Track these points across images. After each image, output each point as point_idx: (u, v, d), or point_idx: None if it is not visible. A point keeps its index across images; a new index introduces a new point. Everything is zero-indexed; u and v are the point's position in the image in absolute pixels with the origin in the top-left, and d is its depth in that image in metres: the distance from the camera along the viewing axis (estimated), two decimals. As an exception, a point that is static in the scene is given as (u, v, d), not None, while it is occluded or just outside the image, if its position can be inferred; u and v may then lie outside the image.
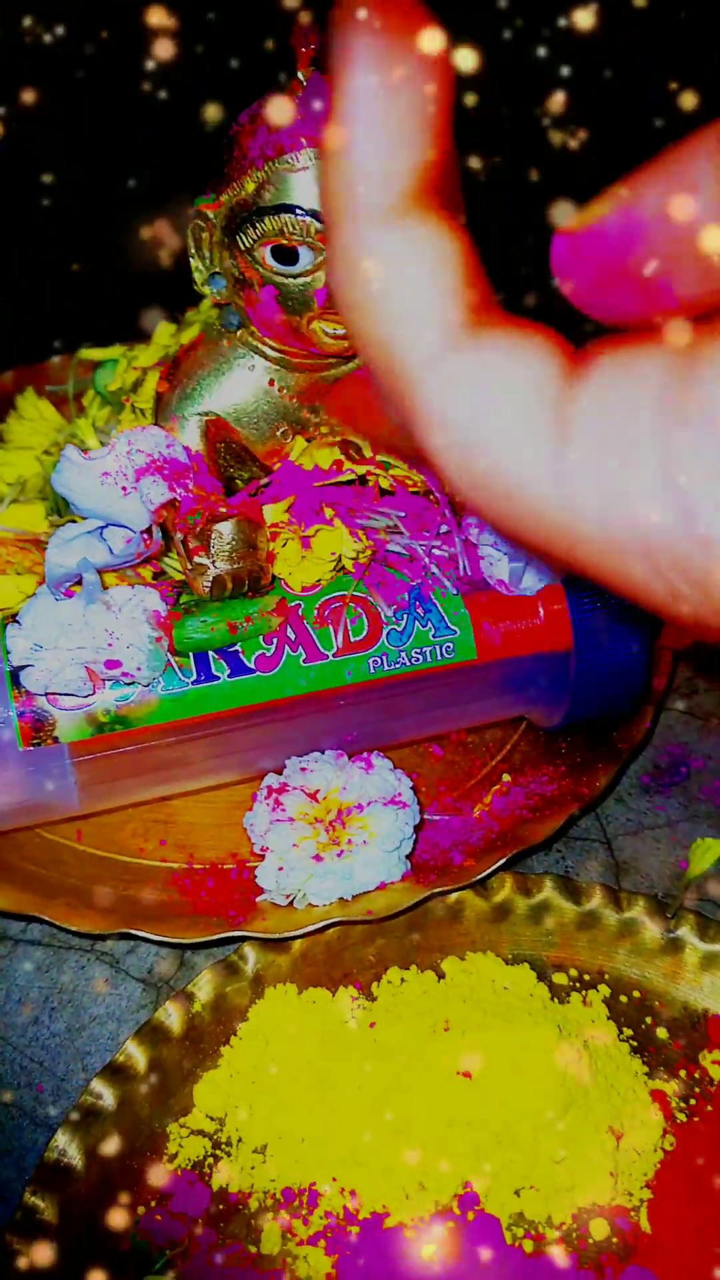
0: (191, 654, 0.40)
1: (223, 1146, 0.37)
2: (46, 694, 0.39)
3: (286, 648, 0.41)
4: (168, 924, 0.40)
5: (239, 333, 0.42)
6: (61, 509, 0.48)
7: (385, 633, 0.42)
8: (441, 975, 0.40)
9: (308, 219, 0.38)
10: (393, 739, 0.46)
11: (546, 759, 0.47)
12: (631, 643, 0.43)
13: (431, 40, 0.15)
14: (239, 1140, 0.37)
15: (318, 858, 0.40)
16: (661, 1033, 0.40)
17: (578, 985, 0.41)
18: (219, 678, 0.40)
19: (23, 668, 0.38)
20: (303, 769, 0.42)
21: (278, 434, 0.43)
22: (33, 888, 0.41)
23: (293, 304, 0.39)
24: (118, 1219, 0.35)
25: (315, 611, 0.41)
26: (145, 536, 0.39)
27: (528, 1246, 0.34)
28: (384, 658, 0.41)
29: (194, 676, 0.40)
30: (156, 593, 0.39)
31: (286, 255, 0.38)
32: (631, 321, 0.17)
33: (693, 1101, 0.38)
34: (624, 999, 0.40)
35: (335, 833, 0.40)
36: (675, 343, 0.13)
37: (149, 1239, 0.34)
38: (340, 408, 0.42)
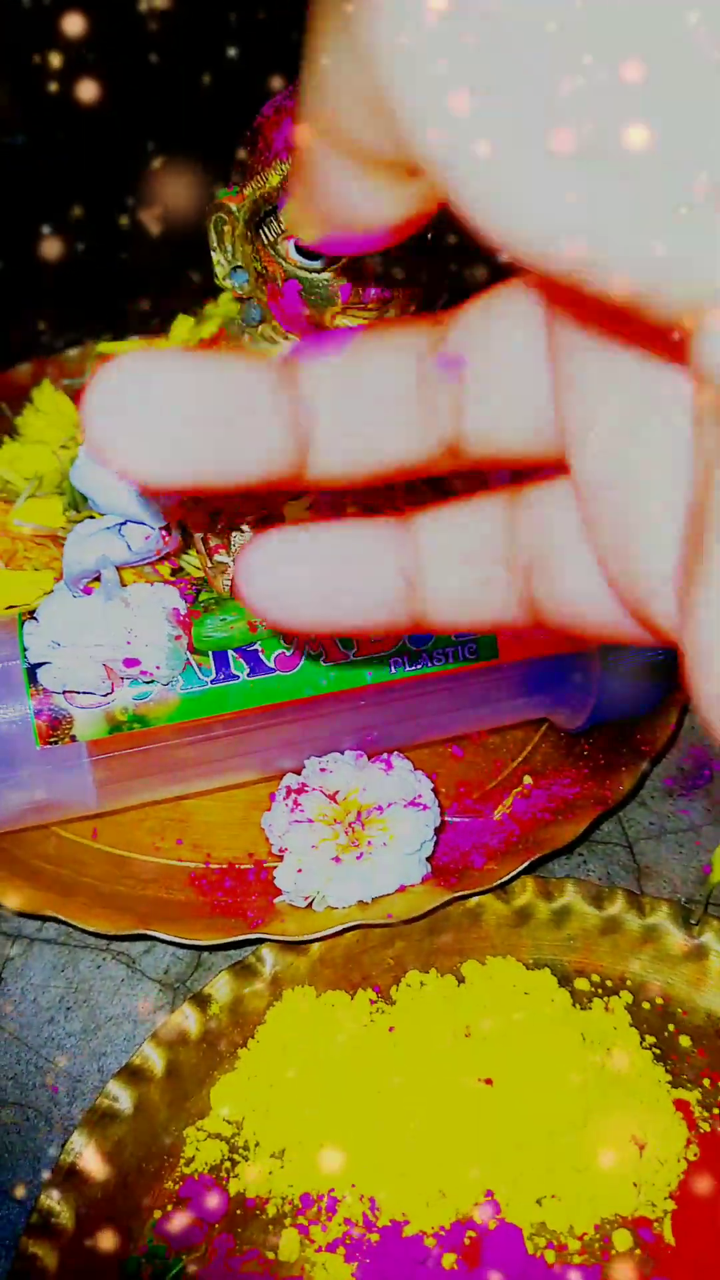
0: (211, 653, 0.40)
1: (240, 1151, 0.36)
2: (64, 692, 0.38)
3: (306, 647, 0.40)
4: (185, 925, 0.40)
5: (260, 327, 0.42)
6: (79, 504, 0.48)
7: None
8: (461, 980, 0.40)
9: (332, 212, 0.37)
10: (413, 740, 0.45)
11: (568, 761, 0.47)
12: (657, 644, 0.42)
13: None
14: (256, 1145, 0.36)
15: (337, 859, 0.39)
16: (684, 1041, 0.39)
17: (599, 992, 0.40)
18: (238, 677, 0.40)
19: (40, 665, 0.38)
20: (322, 769, 0.41)
21: (299, 430, 0.43)
22: (49, 887, 0.41)
23: (316, 299, 0.39)
24: (133, 1223, 0.34)
25: (336, 610, 0.41)
26: (164, 533, 0.38)
27: (550, 1257, 0.34)
28: (405, 658, 0.41)
29: (213, 675, 0.40)
30: (175, 590, 0.39)
31: (310, 250, 0.38)
32: None
33: (716, 1110, 0.37)
34: (646, 1006, 0.40)
35: (355, 834, 0.40)
36: None
37: (165, 1244, 0.34)
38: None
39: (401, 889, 0.40)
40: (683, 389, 0.15)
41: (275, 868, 0.41)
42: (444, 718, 0.44)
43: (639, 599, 0.16)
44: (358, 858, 0.39)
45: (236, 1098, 0.37)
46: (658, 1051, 0.38)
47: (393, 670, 0.41)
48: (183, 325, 0.53)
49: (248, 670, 0.40)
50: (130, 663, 0.38)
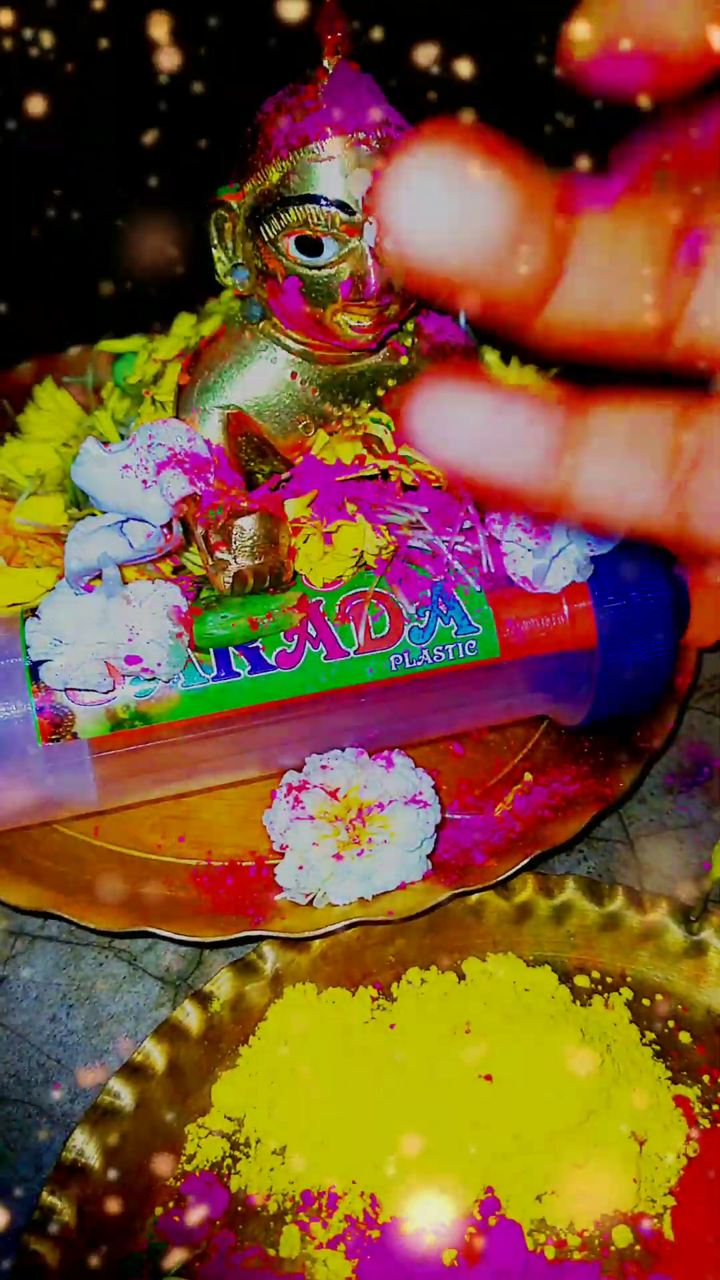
0: (212, 650, 0.40)
1: (241, 1148, 0.36)
2: (66, 689, 0.38)
3: (308, 644, 0.40)
4: (186, 922, 0.40)
5: (261, 325, 0.42)
6: (81, 502, 0.48)
7: (407, 630, 0.41)
8: (462, 976, 0.40)
9: (333, 210, 0.37)
10: (414, 737, 0.45)
11: (569, 758, 0.47)
12: (656, 641, 0.42)
13: None
14: (257, 1141, 0.36)
15: (338, 856, 0.39)
16: (684, 1037, 0.39)
17: (600, 988, 0.40)
18: (239, 674, 0.40)
19: (42, 662, 0.38)
20: (323, 766, 0.41)
21: (299, 427, 0.43)
22: (50, 884, 0.41)
23: (316, 296, 0.39)
24: (135, 1220, 0.34)
25: (337, 608, 0.41)
26: (165, 531, 0.38)
27: (550, 1253, 0.34)
28: (406, 655, 0.41)
29: (214, 673, 0.40)
30: (177, 588, 0.39)
31: (311, 246, 0.38)
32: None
33: (716, 1107, 0.37)
34: (646, 1002, 0.40)
35: (355, 831, 0.40)
36: None
37: (166, 1240, 0.34)
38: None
39: (402, 886, 0.40)
40: None
41: (276, 865, 0.41)
42: (444, 715, 0.44)
43: None
44: (359, 855, 0.39)
45: (237, 1095, 0.37)
46: (658, 1048, 0.38)
47: (393, 667, 0.41)
48: (184, 323, 0.53)
49: (249, 667, 0.40)
50: (132, 660, 0.38)
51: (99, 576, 0.38)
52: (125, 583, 0.38)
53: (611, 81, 0.17)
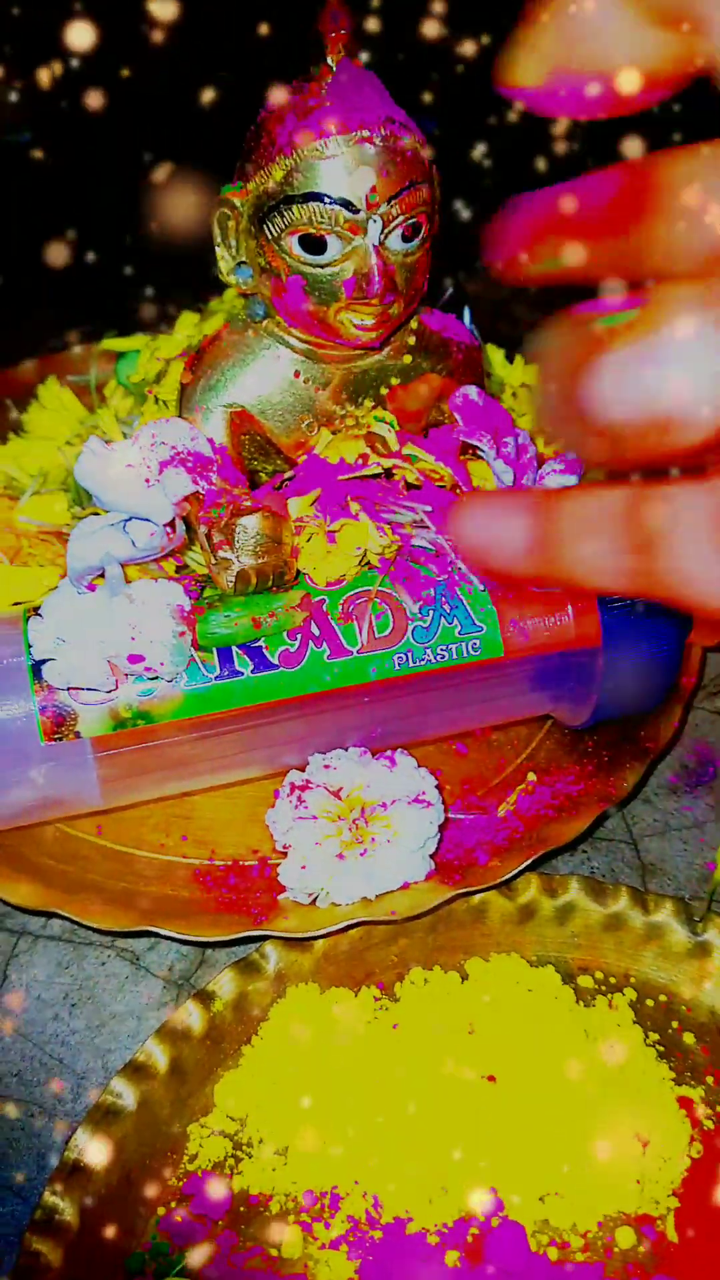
0: (215, 649, 0.40)
1: (243, 1148, 0.36)
2: (68, 688, 0.38)
3: (311, 643, 0.40)
4: (189, 921, 0.40)
5: (264, 323, 0.42)
6: (84, 501, 0.48)
7: (410, 629, 0.41)
8: (465, 977, 0.40)
9: (336, 208, 0.37)
10: (417, 736, 0.45)
11: (572, 758, 0.47)
12: (661, 640, 0.42)
13: None
14: (260, 1141, 0.36)
15: (341, 856, 0.39)
16: (688, 1038, 0.39)
17: (603, 989, 0.40)
18: (242, 673, 0.40)
19: (45, 661, 0.38)
20: (326, 766, 0.41)
21: (303, 426, 0.43)
22: (53, 883, 0.41)
23: (320, 294, 0.39)
24: (137, 1220, 0.34)
25: (340, 607, 0.41)
26: (168, 530, 0.38)
27: (553, 1254, 0.34)
28: (409, 654, 0.41)
29: (217, 672, 0.40)
30: (180, 587, 0.39)
31: (314, 244, 0.38)
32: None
33: (719, 1108, 0.37)
34: (650, 1003, 0.40)
35: (359, 831, 0.40)
36: None
37: (169, 1240, 0.34)
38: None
39: (405, 886, 0.40)
40: None
41: (279, 864, 0.41)
42: (448, 714, 0.44)
43: None
44: (362, 854, 0.39)
45: (240, 1094, 0.37)
46: (661, 1049, 0.38)
47: (396, 666, 0.41)
48: (187, 321, 0.53)
49: (252, 666, 0.40)
50: (134, 659, 0.38)
51: (102, 575, 0.38)
52: (128, 582, 0.38)
53: (555, 105, 0.17)
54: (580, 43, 0.16)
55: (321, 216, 0.37)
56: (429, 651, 0.41)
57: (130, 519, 0.38)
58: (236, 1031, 0.38)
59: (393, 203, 0.37)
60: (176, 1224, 0.34)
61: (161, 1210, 0.35)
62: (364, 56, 0.38)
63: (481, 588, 0.42)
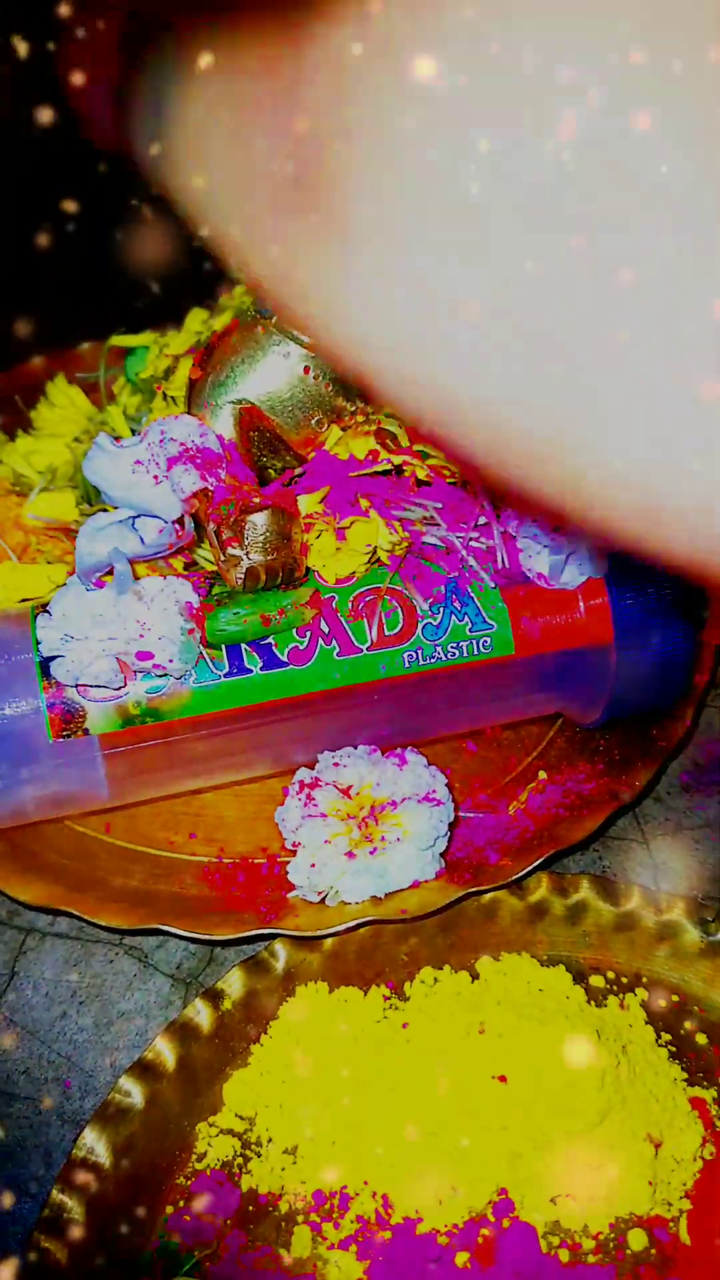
0: (224, 646, 0.39)
1: (252, 1147, 0.36)
2: (77, 685, 0.38)
3: (320, 641, 0.40)
4: (198, 920, 0.39)
5: (274, 319, 0.41)
6: (93, 497, 0.47)
7: (421, 626, 0.41)
8: (476, 976, 0.39)
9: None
10: (427, 734, 0.45)
11: (584, 756, 0.46)
12: (674, 638, 0.42)
13: None
14: (269, 1141, 0.36)
15: (350, 854, 0.39)
16: (701, 1038, 0.39)
17: (615, 988, 0.40)
18: (251, 671, 0.39)
19: (53, 658, 0.38)
20: (335, 764, 0.41)
21: (312, 423, 0.42)
22: (61, 881, 0.41)
23: (330, 289, 0.38)
24: (145, 1219, 0.34)
25: (350, 604, 0.40)
26: (177, 527, 0.38)
27: (564, 1256, 0.33)
28: (419, 652, 0.41)
29: (226, 669, 0.39)
30: (189, 584, 0.39)
31: (324, 239, 0.37)
32: None
33: (733, 1109, 0.37)
34: (662, 1003, 0.40)
35: (368, 829, 0.40)
36: None
37: (177, 1240, 0.34)
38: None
39: (415, 885, 0.40)
40: None
41: (288, 863, 0.41)
42: (458, 712, 0.44)
43: None
44: (371, 853, 0.39)
45: (249, 1093, 0.37)
46: (673, 1049, 0.38)
47: (406, 664, 0.40)
48: (196, 317, 0.53)
49: (261, 664, 0.40)
50: (143, 656, 0.37)
51: (110, 572, 0.38)
52: (137, 579, 0.38)
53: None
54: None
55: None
56: (439, 649, 0.41)
57: (139, 516, 0.38)
58: (245, 1030, 0.38)
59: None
60: (185, 1223, 0.34)
61: (170, 1209, 0.35)
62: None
63: (493, 585, 0.41)
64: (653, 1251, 0.34)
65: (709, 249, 0.13)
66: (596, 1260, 0.33)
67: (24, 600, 0.44)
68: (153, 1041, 0.37)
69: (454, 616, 0.41)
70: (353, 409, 0.43)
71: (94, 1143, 0.35)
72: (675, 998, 0.40)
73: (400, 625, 0.41)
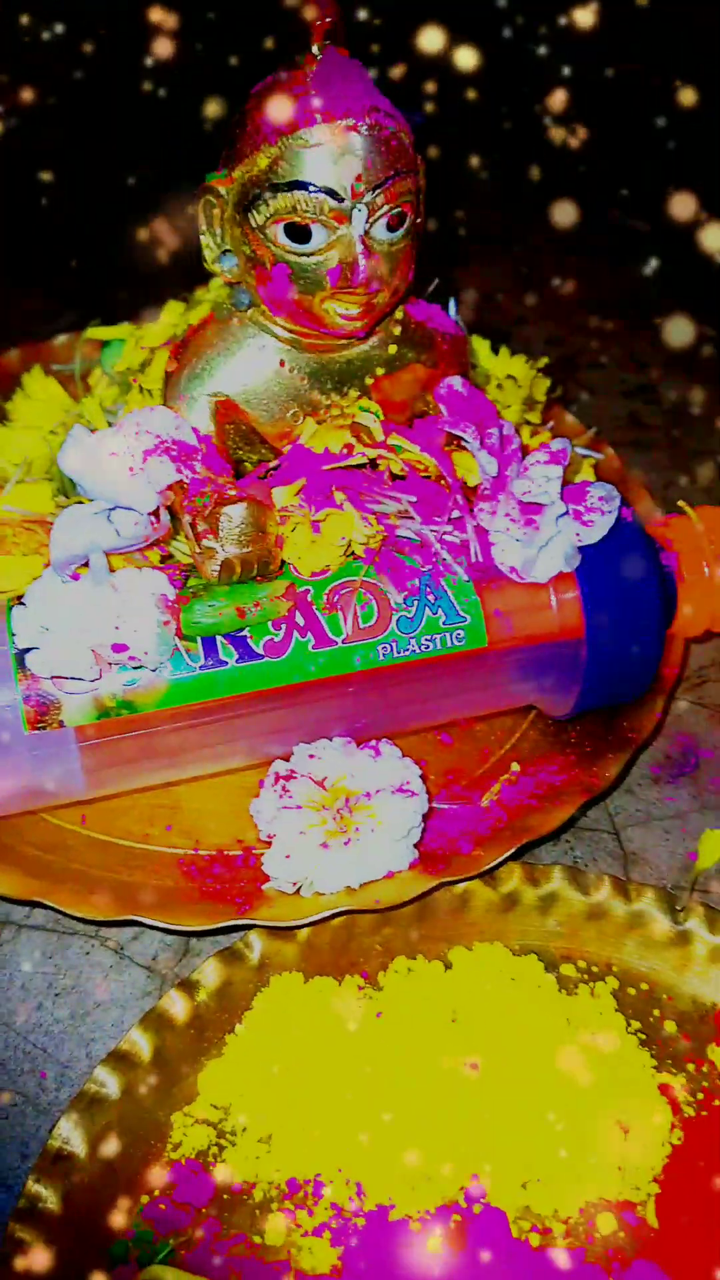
0: (199, 638, 0.40)
1: (227, 1136, 0.36)
2: (52, 677, 0.38)
3: (295, 633, 0.40)
4: (173, 911, 0.40)
5: (249, 312, 0.42)
6: (68, 490, 0.47)
7: (395, 619, 0.41)
8: (449, 966, 0.40)
9: (321, 196, 0.37)
10: (401, 726, 0.45)
11: (556, 749, 0.47)
12: (644, 632, 0.43)
13: None
14: (243, 1130, 0.36)
15: (325, 846, 0.39)
16: (670, 1026, 0.39)
17: (586, 977, 0.40)
18: (227, 663, 0.40)
19: (28, 650, 0.38)
20: (310, 756, 0.41)
21: (288, 416, 0.43)
22: (36, 873, 0.41)
23: (305, 283, 0.39)
24: (121, 1208, 0.34)
25: (324, 597, 0.41)
26: (153, 519, 0.38)
27: (534, 1240, 0.34)
28: (394, 644, 0.41)
29: (201, 661, 0.40)
30: (164, 576, 0.39)
31: (299, 233, 0.38)
32: None
33: (700, 1095, 0.37)
34: (632, 991, 0.40)
35: (343, 820, 0.40)
36: None
37: (152, 1228, 0.34)
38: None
39: (389, 875, 0.40)
40: None
41: (264, 854, 0.41)
42: (432, 704, 0.44)
43: None
44: (346, 844, 0.39)
45: (224, 1083, 0.37)
46: (643, 1036, 0.39)
47: (381, 657, 0.41)
48: (173, 310, 0.53)
49: (236, 656, 0.40)
50: (118, 648, 0.38)
51: (86, 564, 0.38)
52: (112, 571, 0.38)
53: None
54: None
55: (306, 205, 0.37)
56: (413, 642, 0.41)
57: (114, 508, 0.38)
58: (220, 1020, 0.38)
59: (378, 192, 0.37)
60: (160, 1212, 0.34)
61: (145, 1198, 0.35)
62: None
63: (466, 578, 0.42)
64: (622, 1235, 0.34)
65: None
66: (566, 1244, 0.34)
67: (-1, 592, 0.43)
68: (128, 1032, 0.37)
69: (428, 609, 0.41)
70: (328, 402, 0.43)
71: (69, 1133, 0.35)
72: (645, 986, 0.40)
73: (375, 618, 0.41)
